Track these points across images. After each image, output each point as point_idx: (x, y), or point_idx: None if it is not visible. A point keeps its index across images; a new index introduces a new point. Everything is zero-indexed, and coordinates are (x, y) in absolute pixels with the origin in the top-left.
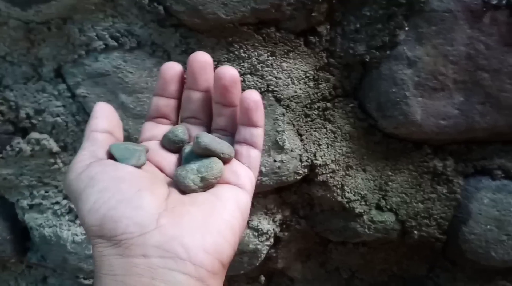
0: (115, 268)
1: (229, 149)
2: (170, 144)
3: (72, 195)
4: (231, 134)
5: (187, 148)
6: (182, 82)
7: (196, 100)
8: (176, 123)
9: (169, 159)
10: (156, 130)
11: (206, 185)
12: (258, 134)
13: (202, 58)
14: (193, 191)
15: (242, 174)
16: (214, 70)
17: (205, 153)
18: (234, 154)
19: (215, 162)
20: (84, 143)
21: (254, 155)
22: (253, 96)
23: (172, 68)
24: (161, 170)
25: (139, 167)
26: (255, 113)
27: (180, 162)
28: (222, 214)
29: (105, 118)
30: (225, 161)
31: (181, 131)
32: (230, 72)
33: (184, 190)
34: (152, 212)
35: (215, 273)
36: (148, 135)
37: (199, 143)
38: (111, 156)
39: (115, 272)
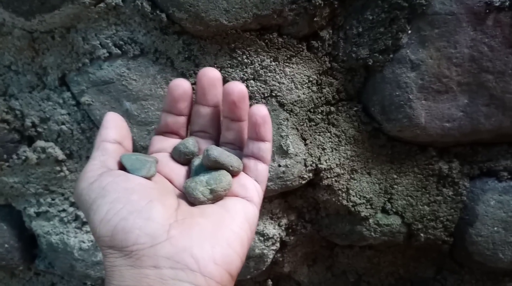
0: (126, 278)
1: (237, 162)
2: (180, 156)
3: (82, 205)
4: (239, 148)
5: (196, 161)
6: (191, 99)
7: (205, 115)
8: (185, 137)
9: (178, 171)
10: (165, 143)
11: (215, 197)
12: (266, 148)
13: (211, 74)
14: (202, 203)
15: (250, 187)
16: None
17: (215, 166)
18: (242, 167)
19: (224, 175)
20: (94, 153)
21: (261, 169)
22: (261, 111)
23: (181, 86)
24: (170, 182)
25: (149, 178)
26: (263, 128)
27: (189, 174)
28: (231, 226)
29: (115, 128)
30: (234, 174)
31: (192, 143)
32: (238, 87)
33: (193, 202)
34: (162, 223)
35: (224, 284)
36: (157, 147)
37: (209, 156)
38: (121, 166)
39: (126, 283)
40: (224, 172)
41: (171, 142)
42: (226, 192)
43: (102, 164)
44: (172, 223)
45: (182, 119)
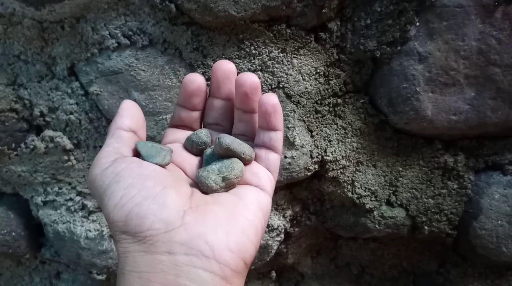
0: (139, 264)
1: (250, 150)
2: (193, 146)
3: (96, 190)
4: (251, 139)
5: (208, 151)
6: (205, 94)
7: (219, 108)
8: None
9: (191, 161)
10: (178, 134)
11: (228, 185)
12: (277, 137)
13: (226, 67)
14: (215, 191)
15: (263, 176)
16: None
17: (227, 154)
18: (254, 155)
19: (236, 162)
20: (108, 139)
21: (273, 158)
22: (272, 100)
23: (194, 81)
24: (183, 172)
25: (163, 166)
26: (274, 117)
27: (202, 165)
28: (245, 214)
29: (130, 117)
30: (246, 162)
31: (205, 133)
32: (251, 79)
33: (206, 190)
34: (177, 209)
35: (239, 272)
36: (171, 138)
37: (221, 143)
38: (135, 153)
39: (140, 269)
40: (236, 160)
41: (184, 134)
42: (239, 179)
43: (116, 151)
44: (186, 210)
45: (196, 114)
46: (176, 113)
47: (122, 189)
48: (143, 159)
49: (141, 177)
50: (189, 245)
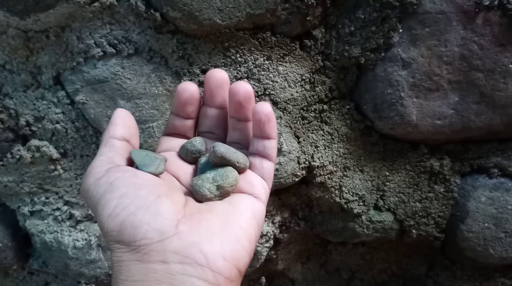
0: (133, 274)
1: (244, 158)
2: (188, 154)
3: (89, 200)
4: (245, 147)
5: (203, 159)
6: (199, 102)
7: (213, 117)
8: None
9: (186, 170)
10: (173, 142)
11: (222, 193)
12: (271, 146)
13: (219, 76)
14: (210, 199)
15: (257, 184)
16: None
17: (221, 162)
18: (248, 164)
19: (230, 171)
20: (102, 148)
21: (267, 166)
22: (265, 108)
23: (188, 90)
24: (178, 180)
25: (157, 175)
26: (268, 126)
27: (196, 173)
28: (239, 222)
29: (123, 126)
30: (240, 170)
31: (199, 142)
32: (244, 88)
33: (200, 199)
34: (171, 218)
35: (232, 280)
36: (165, 146)
37: (215, 152)
38: (129, 162)
39: (134, 278)
40: (230, 168)
41: (178, 142)
42: (233, 188)
43: (109, 160)
44: (180, 218)
45: (190, 122)
46: (170, 121)
47: (116, 199)
48: (137, 168)
49: (135, 187)
50: (183, 253)
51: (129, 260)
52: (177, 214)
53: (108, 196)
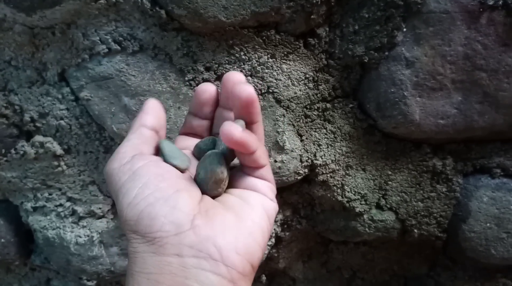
0: (148, 265)
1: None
2: (200, 153)
3: (112, 185)
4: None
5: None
6: (216, 102)
7: (228, 119)
8: None
9: None
10: (189, 141)
11: (216, 182)
12: (259, 155)
13: (236, 78)
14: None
15: (261, 185)
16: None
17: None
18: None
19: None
20: (130, 135)
21: (264, 171)
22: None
23: (207, 91)
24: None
25: (182, 170)
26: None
27: None
28: (252, 217)
29: (154, 116)
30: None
31: (212, 141)
32: (247, 91)
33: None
34: (188, 212)
35: (245, 274)
36: (181, 145)
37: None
38: (155, 153)
39: (148, 270)
40: (212, 156)
41: (194, 141)
42: (223, 174)
43: (135, 147)
44: (196, 214)
45: (206, 123)
46: (187, 121)
47: (136, 188)
48: (163, 158)
49: (157, 178)
50: (198, 247)
51: (144, 252)
52: (194, 209)
53: (129, 185)
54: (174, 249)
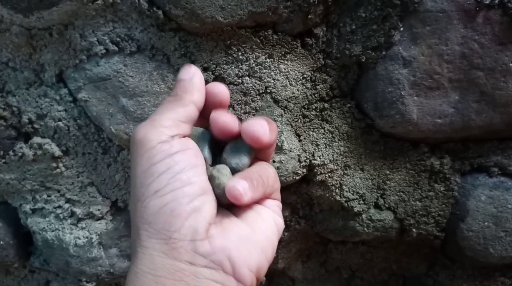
0: (157, 267)
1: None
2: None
3: (139, 155)
4: None
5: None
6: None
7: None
8: None
9: None
10: None
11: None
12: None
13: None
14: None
15: (271, 202)
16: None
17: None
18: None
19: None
20: (178, 107)
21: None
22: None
23: (221, 95)
24: None
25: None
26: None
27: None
28: (265, 230)
29: (203, 96)
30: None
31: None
32: (221, 90)
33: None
34: (208, 220)
35: None
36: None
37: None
38: (196, 140)
39: (158, 273)
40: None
41: None
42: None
43: (178, 125)
44: (212, 223)
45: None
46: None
47: (168, 177)
48: (205, 152)
49: (191, 170)
50: (212, 258)
51: (154, 250)
52: (213, 217)
53: (162, 169)
54: (187, 256)
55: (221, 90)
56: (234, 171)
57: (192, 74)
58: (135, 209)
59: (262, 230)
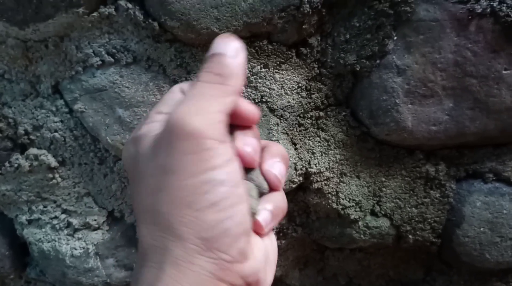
0: (182, 281)
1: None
2: None
3: (192, 153)
4: None
5: None
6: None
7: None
8: None
9: None
10: None
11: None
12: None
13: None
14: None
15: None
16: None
17: None
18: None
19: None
20: (225, 97)
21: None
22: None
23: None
24: None
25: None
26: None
27: None
28: (274, 250)
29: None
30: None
31: None
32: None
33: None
34: (251, 242)
35: None
36: None
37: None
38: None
39: None
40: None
41: None
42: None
43: (223, 118)
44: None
45: None
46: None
47: (227, 191)
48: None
49: (242, 182)
50: (248, 280)
51: (201, 267)
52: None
53: (222, 178)
54: (232, 278)
55: (252, 112)
56: (259, 192)
57: (237, 51)
58: (181, 215)
59: (273, 250)
